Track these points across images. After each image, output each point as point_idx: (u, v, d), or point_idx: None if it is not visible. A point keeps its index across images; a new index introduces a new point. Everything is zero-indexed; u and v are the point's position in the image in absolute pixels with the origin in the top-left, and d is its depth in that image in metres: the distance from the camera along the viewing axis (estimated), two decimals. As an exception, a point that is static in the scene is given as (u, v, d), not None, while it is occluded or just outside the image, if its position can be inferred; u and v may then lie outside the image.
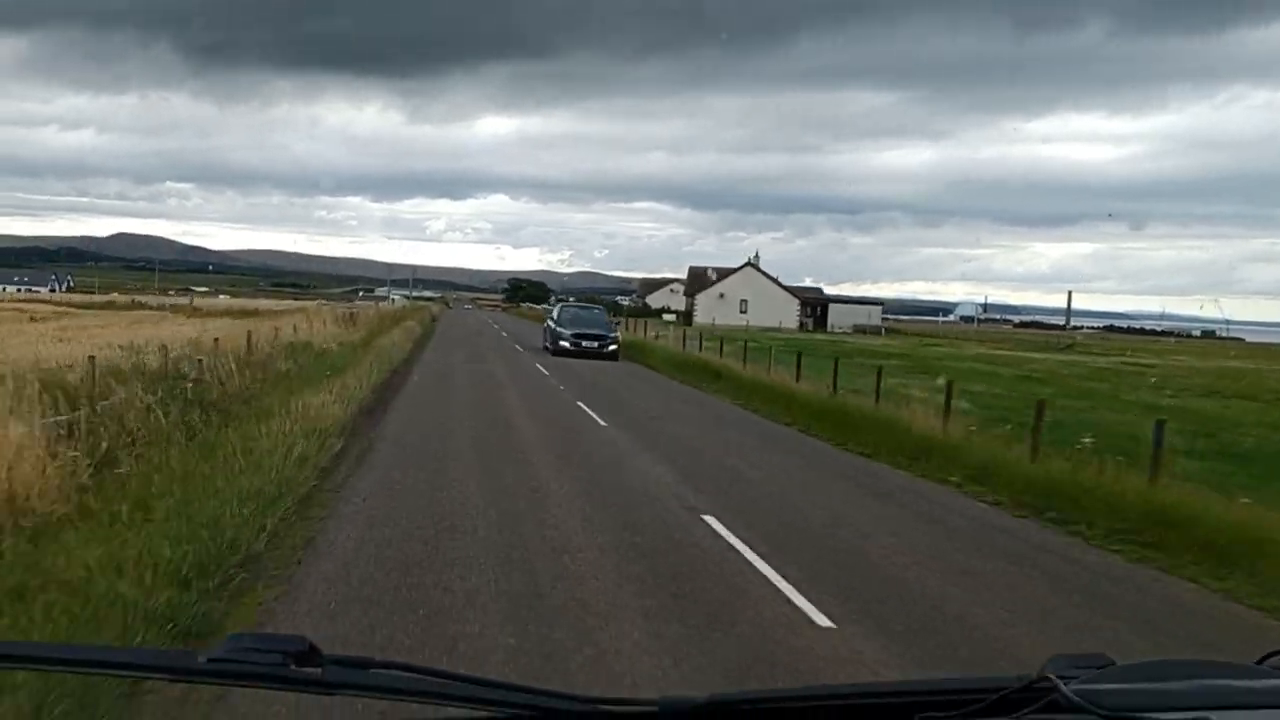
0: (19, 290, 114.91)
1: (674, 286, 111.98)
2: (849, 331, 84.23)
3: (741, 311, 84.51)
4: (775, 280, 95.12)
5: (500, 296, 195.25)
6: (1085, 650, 1.32)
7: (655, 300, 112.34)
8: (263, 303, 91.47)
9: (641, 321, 54.80)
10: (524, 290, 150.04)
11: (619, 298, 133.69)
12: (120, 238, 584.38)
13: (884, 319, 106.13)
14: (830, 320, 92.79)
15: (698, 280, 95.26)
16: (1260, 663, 1.39)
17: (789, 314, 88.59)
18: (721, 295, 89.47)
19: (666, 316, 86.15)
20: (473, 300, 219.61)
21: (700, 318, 79.65)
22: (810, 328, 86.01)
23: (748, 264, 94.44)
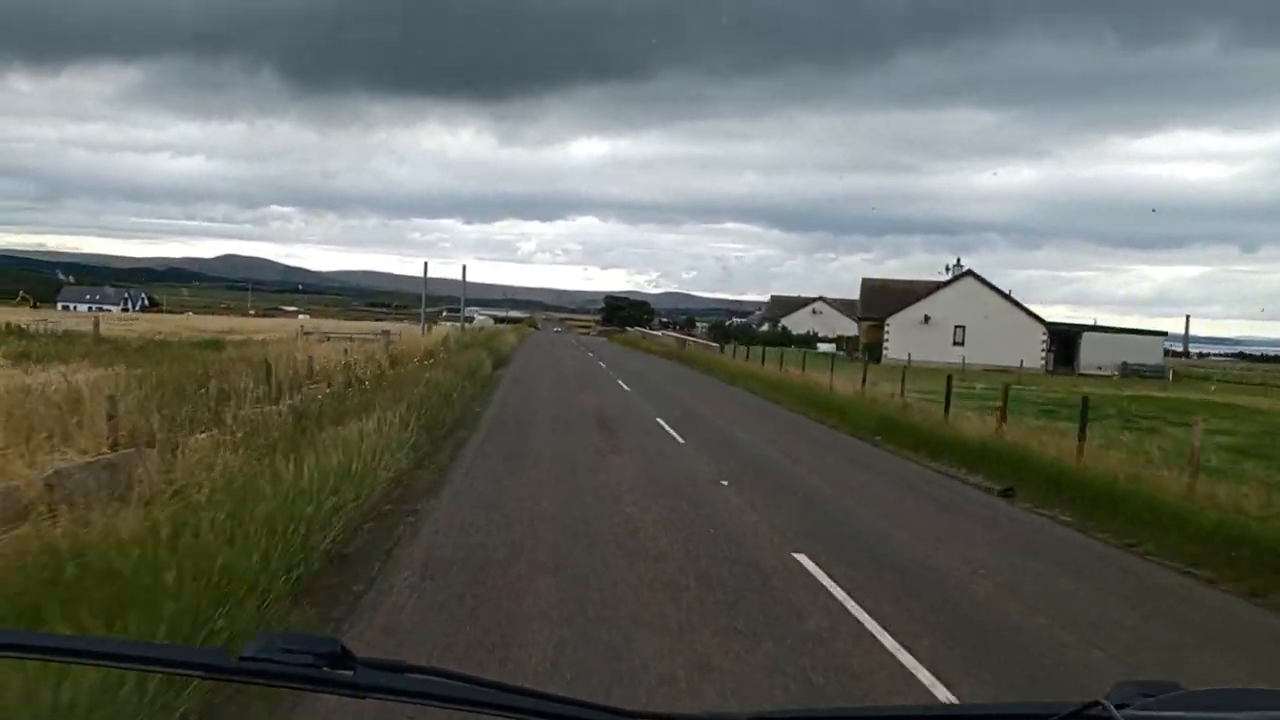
0: (90, 310, 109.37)
1: (817, 307, 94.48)
2: (1115, 374, 58.24)
3: (956, 343, 57.98)
4: (1008, 296, 62.35)
5: (594, 317, 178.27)
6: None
7: (795, 323, 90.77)
8: (290, 322, 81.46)
9: (788, 352, 41.18)
10: (623, 310, 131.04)
11: (733, 319, 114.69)
12: (226, 259, 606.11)
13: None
14: (1081, 356, 61.84)
15: (877, 297, 64.77)
16: None
17: (1029, 347, 58.27)
18: (926, 319, 59.89)
19: (824, 347, 68.69)
20: (562, 322, 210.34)
21: (893, 350, 56.78)
22: (1051, 366, 59.86)
23: (967, 273, 62.64)
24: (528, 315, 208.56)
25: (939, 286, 62.93)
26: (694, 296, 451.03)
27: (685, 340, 64.97)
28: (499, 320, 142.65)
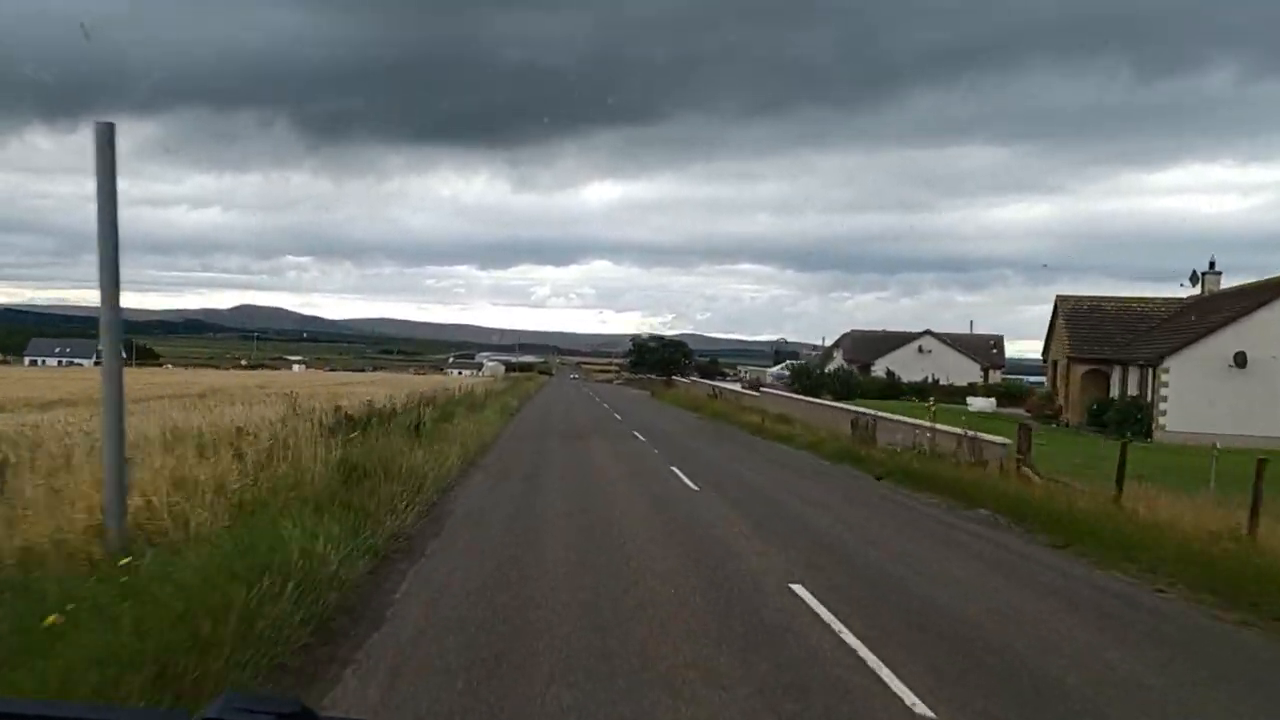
0: (59, 363, 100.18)
1: (925, 344, 73.46)
2: None
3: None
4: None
5: (619, 361, 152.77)
6: None
7: (899, 364, 70.49)
8: (256, 375, 72.29)
9: (932, 410, 21.60)
10: (655, 352, 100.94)
11: (785, 364, 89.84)
12: (242, 309, 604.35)
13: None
14: None
15: (1093, 327, 42.54)
16: None
17: None
18: (1240, 361, 33.85)
19: (978, 403, 49.79)
20: (579, 367, 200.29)
21: (1179, 412, 33.57)
22: None
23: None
24: (541, 360, 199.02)
25: (1250, 310, 34.46)
26: (708, 338, 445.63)
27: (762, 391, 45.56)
28: (510, 368, 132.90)
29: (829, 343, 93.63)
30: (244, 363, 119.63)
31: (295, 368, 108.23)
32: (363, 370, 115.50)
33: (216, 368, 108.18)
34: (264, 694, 1.35)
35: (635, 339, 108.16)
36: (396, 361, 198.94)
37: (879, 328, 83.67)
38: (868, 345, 76.41)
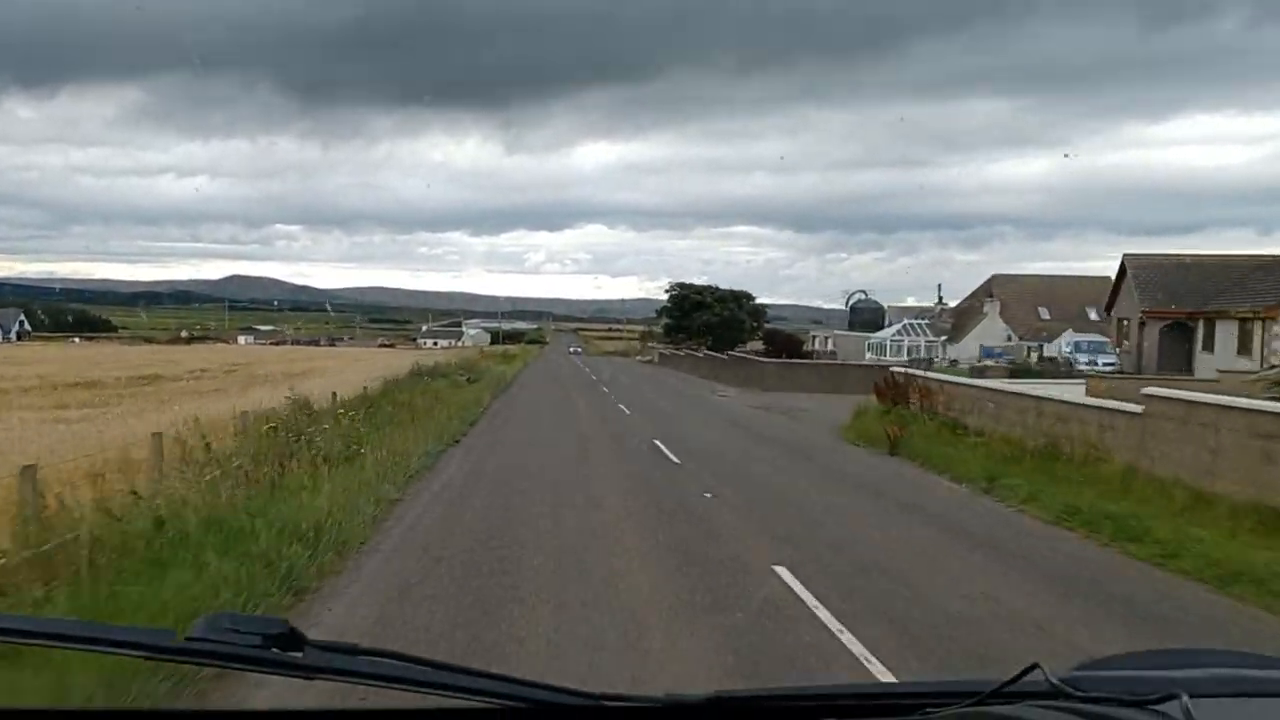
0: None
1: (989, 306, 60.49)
2: None
3: None
4: None
5: (642, 327, 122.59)
6: None
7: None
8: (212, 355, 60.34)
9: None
10: (703, 310, 69.47)
11: (892, 329, 66.38)
12: (233, 279, 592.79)
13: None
14: None
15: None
16: None
17: None
18: None
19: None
20: (576, 333, 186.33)
21: None
22: None
23: None
24: (535, 327, 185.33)
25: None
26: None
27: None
28: (497, 338, 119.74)
29: (953, 301, 66.81)
30: (185, 334, 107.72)
31: (242, 340, 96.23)
32: (317, 343, 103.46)
33: (155, 342, 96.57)
34: (249, 616, 1.08)
35: (672, 288, 70.90)
36: (374, 330, 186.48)
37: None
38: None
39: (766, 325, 76.31)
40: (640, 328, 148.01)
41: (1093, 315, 62.80)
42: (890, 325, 69.44)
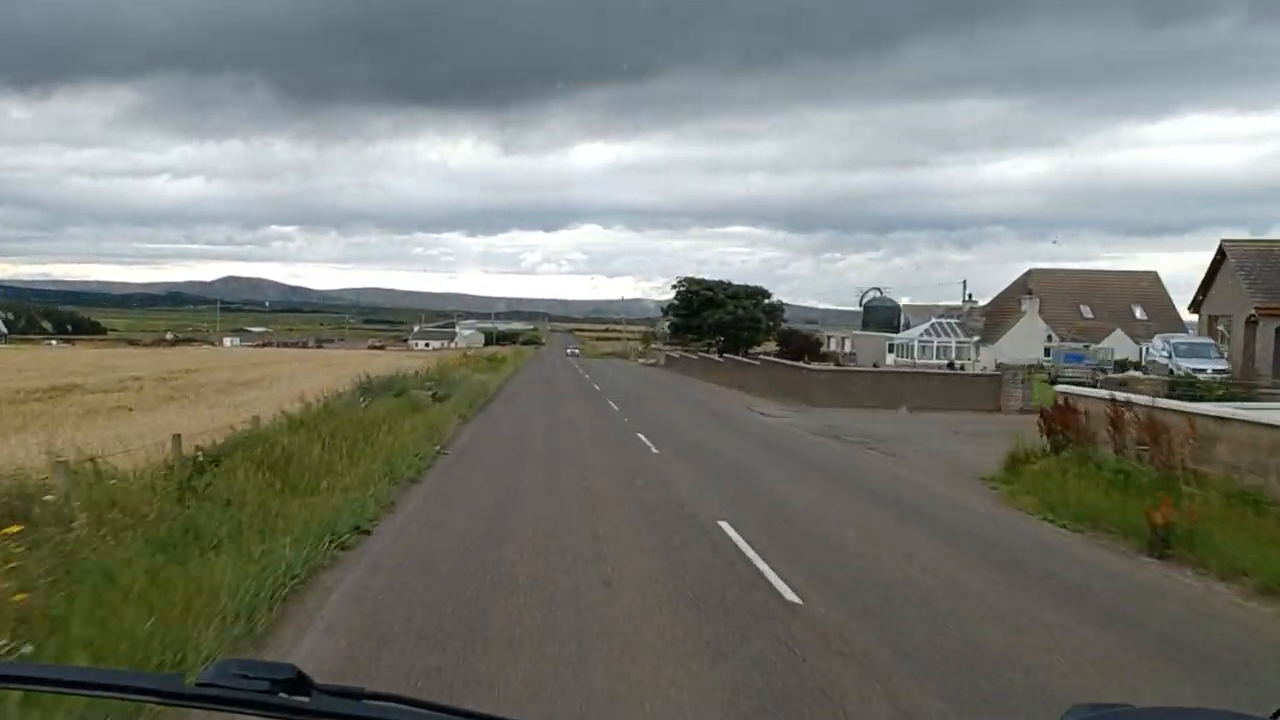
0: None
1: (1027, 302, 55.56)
2: None
3: None
4: None
5: (642, 329, 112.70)
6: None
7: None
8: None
9: None
10: (716, 308, 62.02)
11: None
12: (227, 281, 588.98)
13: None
14: None
15: None
16: (1276, 715, 1.43)
17: None
18: None
19: None
20: (572, 333, 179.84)
21: None
22: None
23: None
24: (531, 328, 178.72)
25: None
26: None
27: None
28: (492, 339, 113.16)
29: (981, 300, 61.54)
30: (169, 336, 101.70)
31: (228, 341, 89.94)
32: (305, 345, 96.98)
33: (138, 344, 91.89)
34: (258, 662, 1.11)
35: (680, 284, 63.72)
36: (367, 331, 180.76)
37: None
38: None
39: (784, 325, 70.50)
40: (640, 328, 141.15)
41: (1139, 314, 58.34)
42: (911, 326, 63.21)
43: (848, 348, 67.31)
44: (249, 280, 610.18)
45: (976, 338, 56.74)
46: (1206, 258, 38.53)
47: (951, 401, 29.04)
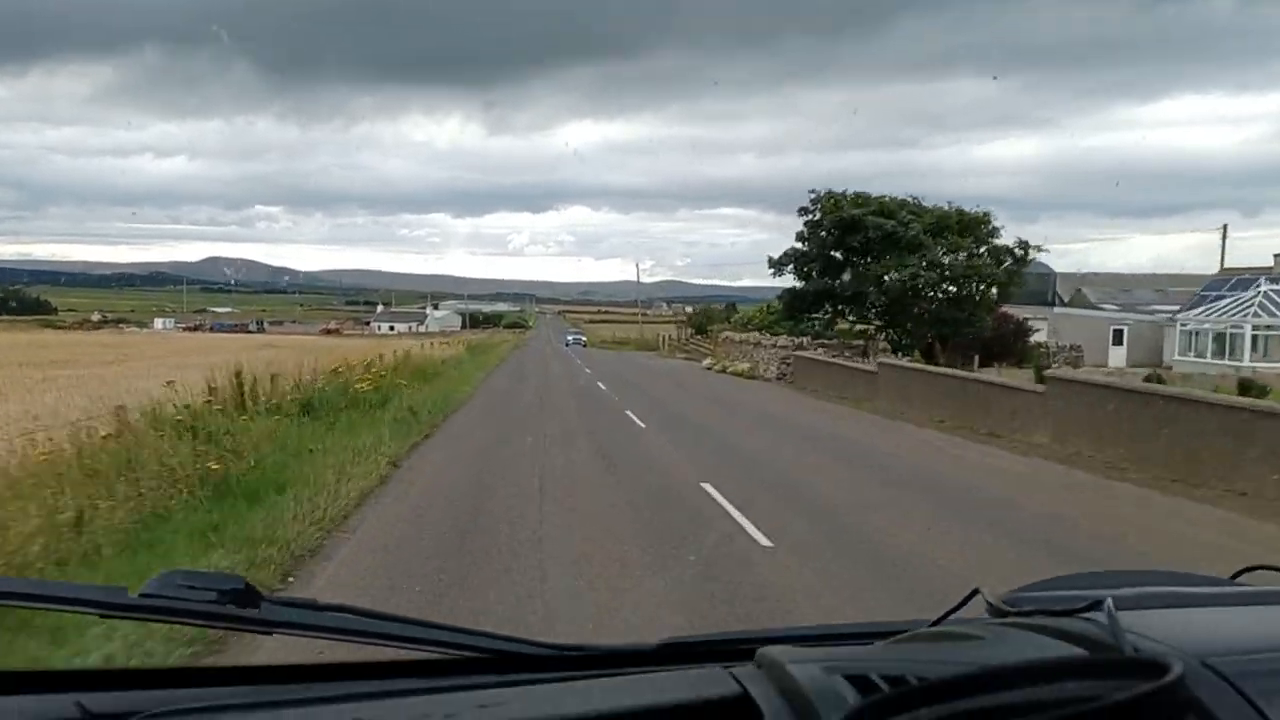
0: None
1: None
2: None
3: None
4: None
5: (673, 316, 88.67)
6: None
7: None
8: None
9: None
10: (921, 248, 31.46)
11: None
12: (211, 261, 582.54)
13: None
14: None
15: None
16: (1234, 578, 1.39)
17: None
18: None
19: None
20: (563, 315, 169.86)
21: None
22: None
23: None
24: (518, 309, 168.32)
25: None
26: (688, 284, 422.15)
27: None
28: (470, 322, 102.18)
29: None
30: (96, 318, 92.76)
31: (158, 324, 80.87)
32: (245, 329, 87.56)
33: (59, 328, 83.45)
34: (204, 572, 1.09)
35: (815, 204, 33.81)
36: (347, 312, 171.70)
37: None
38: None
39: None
40: (663, 313, 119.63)
41: None
42: (1064, 301, 47.54)
43: (1058, 340, 42.27)
44: (232, 260, 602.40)
45: None
46: (1192, 238, 30.21)
47: None
